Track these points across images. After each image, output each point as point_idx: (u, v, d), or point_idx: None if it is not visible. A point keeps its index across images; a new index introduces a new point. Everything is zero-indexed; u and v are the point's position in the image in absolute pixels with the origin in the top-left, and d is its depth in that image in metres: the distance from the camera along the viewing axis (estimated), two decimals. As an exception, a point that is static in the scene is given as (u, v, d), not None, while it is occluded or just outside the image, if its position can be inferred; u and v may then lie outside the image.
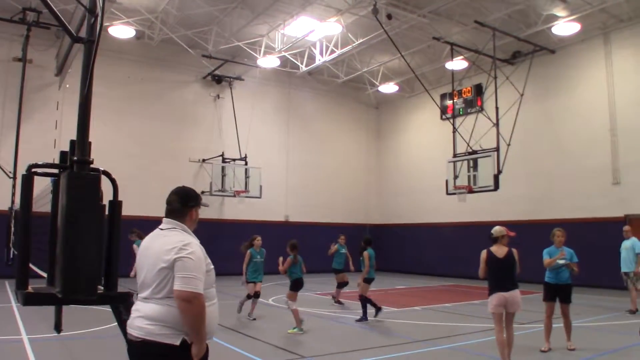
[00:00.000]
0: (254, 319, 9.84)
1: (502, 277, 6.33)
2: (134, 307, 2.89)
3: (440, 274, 20.92)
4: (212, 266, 2.93)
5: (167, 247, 2.78)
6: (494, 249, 6.42)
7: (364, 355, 7.04)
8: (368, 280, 10.13)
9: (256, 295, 10.01)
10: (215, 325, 2.92)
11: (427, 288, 17.53)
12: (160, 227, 2.99)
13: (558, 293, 7.25)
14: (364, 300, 10.01)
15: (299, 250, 9.31)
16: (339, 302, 12.22)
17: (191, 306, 2.66)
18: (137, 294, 2.93)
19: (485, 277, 6.41)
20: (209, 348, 2.84)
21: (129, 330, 2.82)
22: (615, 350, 7.31)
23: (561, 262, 7.18)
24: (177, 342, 2.70)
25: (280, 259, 9.27)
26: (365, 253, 10.21)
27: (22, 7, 15.83)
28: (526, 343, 7.54)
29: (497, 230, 6.51)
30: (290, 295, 9.11)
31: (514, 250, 6.44)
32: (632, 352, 7.01)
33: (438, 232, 21.91)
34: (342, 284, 12.47)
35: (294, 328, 8.67)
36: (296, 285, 9.22)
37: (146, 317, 2.74)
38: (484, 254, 6.43)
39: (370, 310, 10.07)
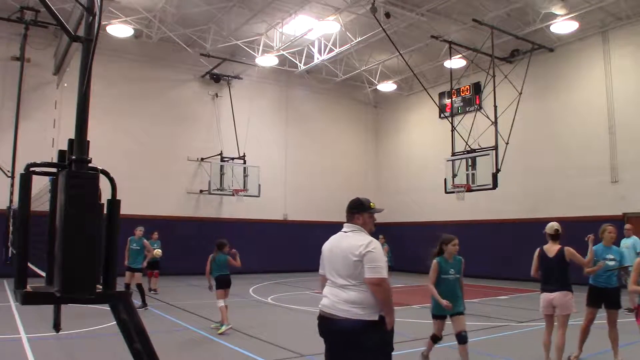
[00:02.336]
0: None
1: (547, 277, 6.10)
2: (329, 292, 3.67)
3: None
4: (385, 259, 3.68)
5: (356, 244, 3.58)
6: (547, 247, 6.21)
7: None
8: None
9: (460, 337, 5.85)
10: None
11: (425, 286, 17.54)
12: (343, 230, 3.81)
13: (606, 298, 6.51)
14: None
15: (223, 248, 8.83)
16: None
17: (381, 288, 3.47)
18: (323, 282, 3.82)
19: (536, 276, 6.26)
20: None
21: (327, 310, 3.61)
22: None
23: (610, 263, 6.44)
24: (376, 318, 3.48)
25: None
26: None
27: (20, 5, 15.82)
28: (527, 342, 7.54)
29: (550, 226, 6.23)
30: (216, 294, 8.73)
31: (567, 249, 6.05)
32: (631, 350, 7.03)
33: (436, 230, 21.84)
34: None
35: (222, 326, 8.43)
36: (219, 284, 8.78)
37: (348, 301, 3.51)
38: (537, 251, 6.28)
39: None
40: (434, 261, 6.25)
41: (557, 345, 5.87)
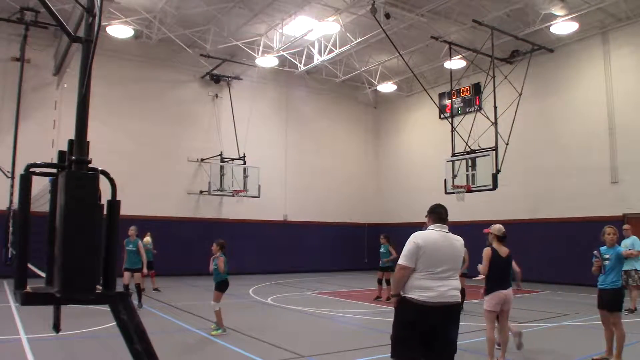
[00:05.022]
0: None
1: (503, 275, 6.40)
2: (434, 284, 4.19)
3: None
4: None
5: (461, 242, 4.48)
6: (497, 247, 6.44)
7: (362, 354, 7.05)
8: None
9: None
10: None
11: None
12: (444, 230, 4.45)
13: (606, 299, 6.61)
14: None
15: (224, 249, 8.66)
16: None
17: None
18: (407, 274, 4.29)
19: (487, 275, 6.39)
20: None
21: (441, 299, 4.17)
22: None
23: (607, 262, 6.48)
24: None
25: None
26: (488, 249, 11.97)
27: (20, 6, 15.83)
28: (526, 342, 7.53)
29: (502, 228, 6.55)
30: (218, 296, 8.59)
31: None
32: (630, 351, 7.03)
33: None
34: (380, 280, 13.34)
35: (218, 329, 8.35)
36: (220, 286, 8.64)
37: (456, 288, 4.28)
38: (488, 251, 6.42)
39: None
40: None
41: (505, 340, 6.36)
